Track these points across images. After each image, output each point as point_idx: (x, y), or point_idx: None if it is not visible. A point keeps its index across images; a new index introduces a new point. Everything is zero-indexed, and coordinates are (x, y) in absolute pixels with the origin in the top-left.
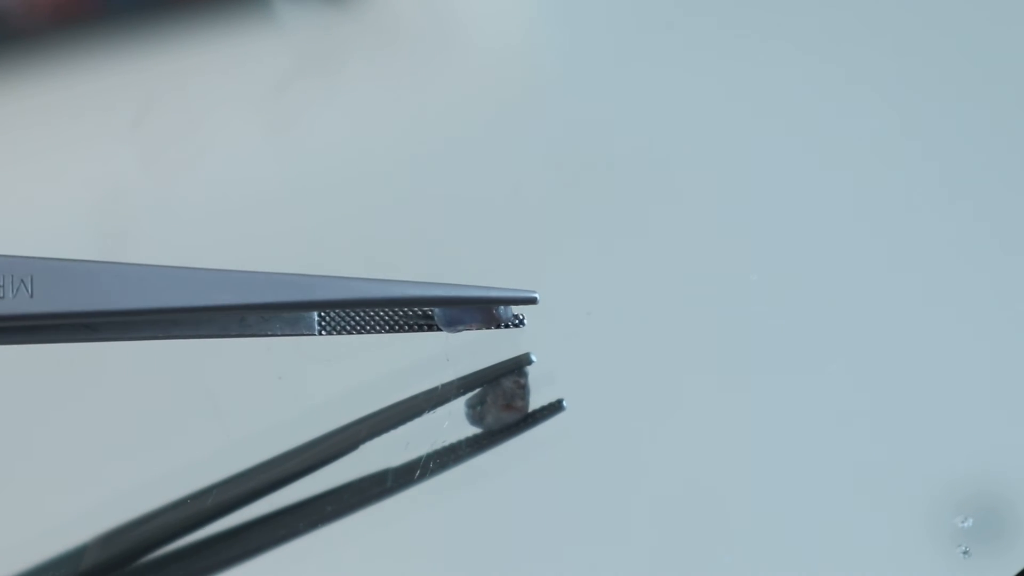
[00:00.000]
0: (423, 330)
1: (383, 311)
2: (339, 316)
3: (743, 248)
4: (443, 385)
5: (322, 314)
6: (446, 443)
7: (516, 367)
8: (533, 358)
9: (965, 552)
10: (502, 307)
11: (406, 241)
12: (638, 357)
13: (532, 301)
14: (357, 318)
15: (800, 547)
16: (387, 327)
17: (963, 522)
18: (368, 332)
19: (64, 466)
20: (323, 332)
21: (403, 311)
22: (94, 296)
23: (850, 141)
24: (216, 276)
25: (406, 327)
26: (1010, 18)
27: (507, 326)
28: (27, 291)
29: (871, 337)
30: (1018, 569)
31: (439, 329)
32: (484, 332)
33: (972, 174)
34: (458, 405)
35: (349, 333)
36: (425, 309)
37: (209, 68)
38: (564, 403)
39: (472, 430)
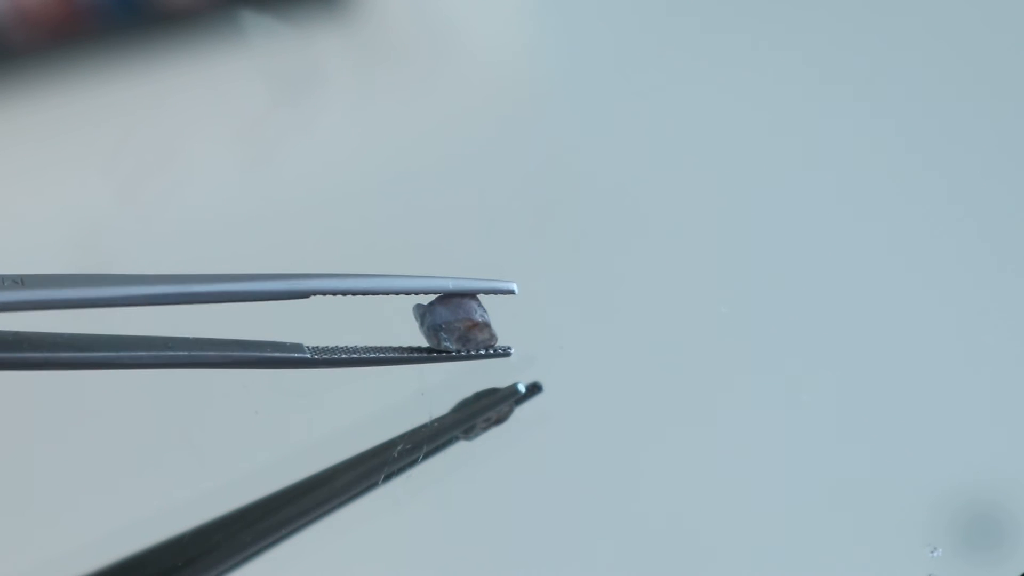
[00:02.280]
0: (412, 361)
1: (373, 351)
2: (327, 351)
3: (732, 252)
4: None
5: (310, 349)
6: (421, 437)
7: (509, 396)
8: (521, 388)
9: None
10: (487, 318)
11: (389, 257)
12: (619, 351)
13: (510, 292)
14: (347, 347)
15: None
16: (375, 355)
17: (933, 552)
18: (357, 364)
19: (39, 507)
20: (314, 356)
21: (393, 353)
22: (83, 290)
23: (839, 147)
24: (201, 276)
25: (394, 357)
26: (1010, 18)
27: (495, 354)
28: (19, 284)
29: (841, 365)
30: None
31: (425, 358)
32: (461, 367)
33: (958, 179)
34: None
35: (339, 364)
36: (412, 348)
37: (191, 89)
38: (541, 385)
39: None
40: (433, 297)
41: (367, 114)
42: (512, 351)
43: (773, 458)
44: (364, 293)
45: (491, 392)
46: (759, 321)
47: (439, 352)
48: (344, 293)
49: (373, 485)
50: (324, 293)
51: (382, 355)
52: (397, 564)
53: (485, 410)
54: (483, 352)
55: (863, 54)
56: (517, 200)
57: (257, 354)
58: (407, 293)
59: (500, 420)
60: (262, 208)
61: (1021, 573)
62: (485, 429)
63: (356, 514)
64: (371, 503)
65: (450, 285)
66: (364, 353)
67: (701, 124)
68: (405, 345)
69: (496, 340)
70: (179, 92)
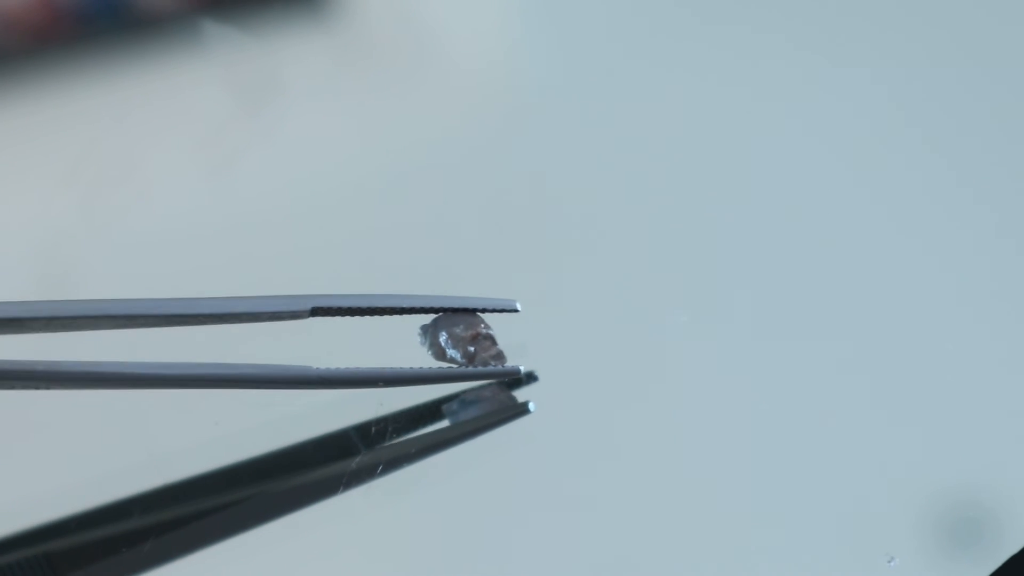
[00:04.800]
0: (419, 381)
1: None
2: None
3: (730, 249)
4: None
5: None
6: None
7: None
8: (531, 407)
9: None
10: (493, 345)
11: (369, 267)
12: (609, 361)
13: (513, 310)
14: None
15: None
16: (383, 375)
17: (890, 562)
18: (362, 385)
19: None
20: (321, 376)
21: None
22: (45, 305)
23: (827, 147)
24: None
25: (401, 377)
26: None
27: (503, 372)
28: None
29: (795, 370)
30: None
31: (432, 379)
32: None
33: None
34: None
35: (345, 384)
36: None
37: (165, 96)
38: (531, 406)
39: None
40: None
41: (347, 121)
42: (522, 370)
43: (726, 468)
44: (364, 311)
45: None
46: (722, 324)
47: (445, 369)
48: (345, 312)
49: (331, 495)
50: (324, 310)
51: (388, 375)
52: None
53: (494, 426)
54: (490, 370)
55: (852, 55)
56: (501, 207)
57: (264, 373)
58: (408, 311)
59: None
60: (238, 219)
61: None
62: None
63: (314, 524)
64: (328, 513)
65: (452, 303)
66: (370, 373)
67: (689, 124)
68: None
69: (504, 358)
70: (153, 99)
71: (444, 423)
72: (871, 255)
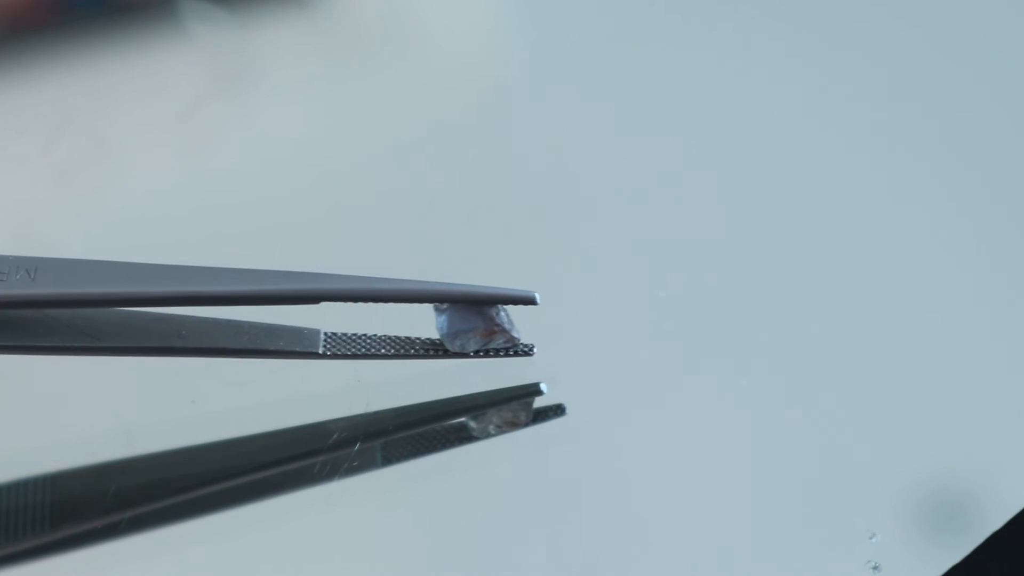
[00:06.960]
0: (427, 356)
1: (390, 345)
2: (344, 339)
3: (737, 246)
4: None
5: (327, 336)
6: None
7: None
8: (543, 387)
9: (875, 568)
10: (507, 323)
11: (351, 254)
12: (627, 359)
13: (531, 301)
14: (362, 342)
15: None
16: (392, 350)
17: (871, 538)
18: (372, 357)
19: None
20: (327, 353)
21: (411, 347)
22: (93, 284)
23: (815, 135)
24: (215, 271)
25: (411, 352)
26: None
27: (516, 353)
28: (29, 277)
29: (779, 353)
30: None
31: (443, 354)
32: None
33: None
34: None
35: (353, 357)
36: (432, 343)
37: (126, 86)
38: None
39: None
40: None
41: (330, 106)
42: (535, 350)
43: (710, 447)
44: (376, 299)
45: (511, 390)
46: (704, 307)
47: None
48: (355, 299)
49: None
50: (334, 298)
51: (399, 350)
52: (335, 554)
53: (501, 403)
54: (502, 352)
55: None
56: (491, 194)
57: (269, 347)
58: (421, 300)
59: (516, 425)
60: (219, 201)
61: (956, 562)
62: (499, 430)
63: (291, 504)
64: (306, 492)
65: (468, 291)
66: (379, 347)
67: (675, 114)
68: (424, 338)
69: (515, 342)
70: (134, 84)
71: (431, 398)
72: (855, 250)
